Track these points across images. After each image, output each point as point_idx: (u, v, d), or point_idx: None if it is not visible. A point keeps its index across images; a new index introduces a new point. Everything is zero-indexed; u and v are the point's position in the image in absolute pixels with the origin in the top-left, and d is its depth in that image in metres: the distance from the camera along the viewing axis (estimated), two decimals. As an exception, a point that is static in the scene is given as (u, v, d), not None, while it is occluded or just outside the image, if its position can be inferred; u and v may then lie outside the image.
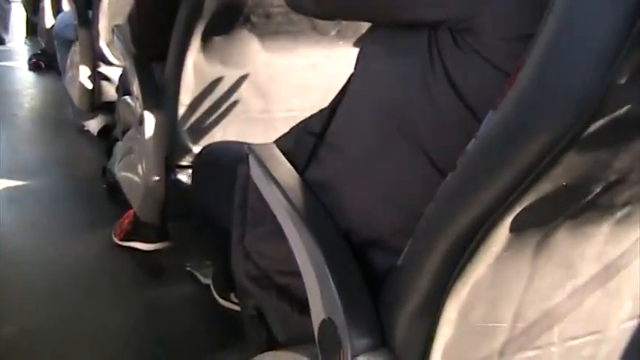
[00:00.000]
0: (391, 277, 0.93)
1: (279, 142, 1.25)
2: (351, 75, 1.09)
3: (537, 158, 0.69)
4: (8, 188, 2.83)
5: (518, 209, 0.76)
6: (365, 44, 1.05)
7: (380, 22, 1.00)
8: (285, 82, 1.78)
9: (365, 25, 1.69)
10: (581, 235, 0.88)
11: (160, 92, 1.81)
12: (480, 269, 0.83)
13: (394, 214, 0.98)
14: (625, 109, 0.65)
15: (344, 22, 1.73)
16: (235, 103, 1.77)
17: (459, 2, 0.83)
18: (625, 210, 0.86)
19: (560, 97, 0.67)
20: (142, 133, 1.82)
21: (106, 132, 3.10)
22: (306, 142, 1.14)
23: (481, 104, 0.82)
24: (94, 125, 3.21)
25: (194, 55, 1.68)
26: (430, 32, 0.87)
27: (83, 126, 3.27)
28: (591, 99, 0.64)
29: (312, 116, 1.18)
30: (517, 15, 0.79)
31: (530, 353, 0.99)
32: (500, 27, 0.81)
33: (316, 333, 1.00)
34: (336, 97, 1.12)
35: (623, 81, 0.63)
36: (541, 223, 0.82)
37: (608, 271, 0.99)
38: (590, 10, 0.64)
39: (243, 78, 1.75)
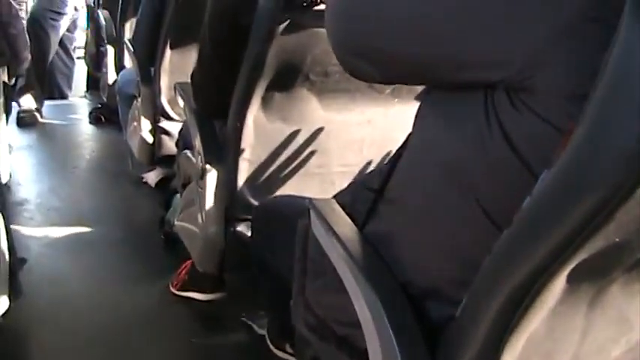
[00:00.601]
0: (448, 330, 0.96)
1: (338, 198, 1.29)
2: (410, 134, 1.12)
3: (590, 216, 0.72)
4: (68, 237, 2.92)
5: (572, 264, 0.79)
6: (423, 105, 1.08)
7: (439, 84, 1.02)
8: (342, 138, 1.83)
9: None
10: (635, 290, 0.90)
11: (221, 147, 1.87)
12: (535, 323, 0.85)
13: (452, 266, 1.01)
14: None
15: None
16: (294, 158, 1.82)
17: (518, 63, 0.84)
18: (678, 266, 0.88)
19: (612, 157, 0.70)
20: (203, 186, 1.88)
21: (163, 184, 3.18)
22: (365, 197, 1.18)
23: (537, 161, 0.85)
24: (152, 177, 3.29)
25: (255, 112, 1.74)
26: (486, 92, 0.90)
27: (142, 178, 3.36)
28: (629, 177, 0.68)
29: (370, 173, 1.22)
30: (574, 74, 0.81)
31: (586, 406, 1.01)
32: (558, 86, 0.83)
33: (375, 384, 1.03)
34: (395, 154, 1.16)
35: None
36: (595, 278, 0.85)
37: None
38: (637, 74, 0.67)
39: (301, 134, 1.80)
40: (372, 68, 1.04)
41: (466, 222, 0.98)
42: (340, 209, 1.23)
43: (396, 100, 1.80)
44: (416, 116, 1.10)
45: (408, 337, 0.99)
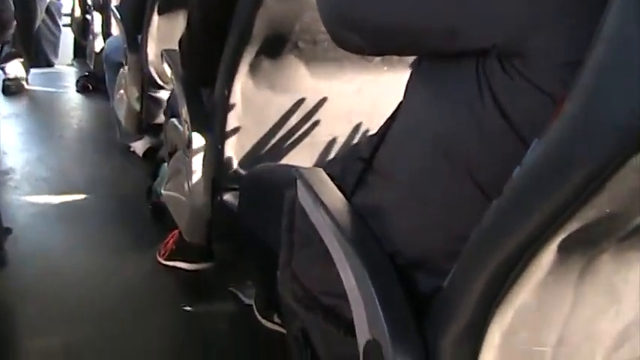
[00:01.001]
0: (436, 300, 0.95)
1: (327, 169, 1.28)
2: (400, 103, 1.11)
3: (581, 186, 0.71)
4: (55, 207, 2.91)
5: (562, 235, 0.78)
6: (413, 75, 1.07)
7: (430, 54, 1.00)
8: (331, 107, 1.81)
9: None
10: (624, 261, 0.89)
11: (208, 116, 1.85)
12: (524, 294, 0.85)
13: (440, 237, 1.00)
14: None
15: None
16: (282, 127, 1.80)
17: (511, 28, 0.84)
18: (668, 236, 0.87)
19: (604, 127, 0.69)
20: (190, 155, 1.86)
21: (151, 153, 3.16)
22: (354, 167, 1.17)
23: (528, 128, 0.84)
24: (139, 146, 3.27)
25: (242, 80, 1.72)
26: (478, 60, 0.89)
27: (129, 147, 3.34)
28: (635, 130, 0.66)
29: (360, 142, 1.21)
30: (567, 40, 0.80)
31: (574, 377, 1.00)
32: (551, 51, 0.82)
33: (361, 354, 1.02)
34: (385, 123, 1.14)
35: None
36: (585, 249, 0.84)
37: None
38: (634, 42, 0.66)
39: (290, 103, 1.78)
40: (362, 40, 1.02)
41: (457, 194, 0.97)
42: (328, 179, 1.21)
43: (386, 68, 1.77)
44: (406, 86, 1.09)
45: (395, 307, 0.98)
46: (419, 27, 0.94)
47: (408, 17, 0.94)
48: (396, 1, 0.95)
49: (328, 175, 1.25)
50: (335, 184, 1.21)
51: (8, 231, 2.46)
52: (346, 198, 1.17)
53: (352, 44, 1.06)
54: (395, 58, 1.75)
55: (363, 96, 1.80)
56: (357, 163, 1.16)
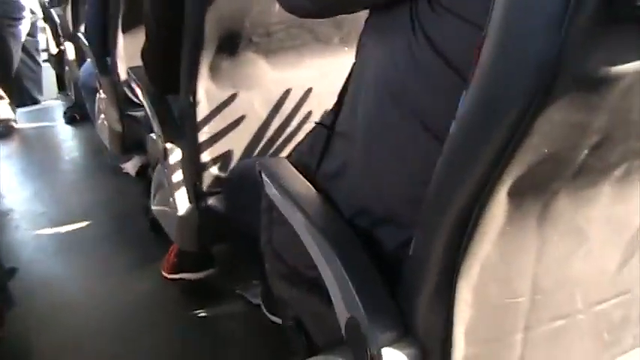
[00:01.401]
0: (405, 267, 0.95)
1: (296, 149, 1.29)
2: (353, 65, 1.13)
3: (511, 129, 0.71)
4: (56, 239, 2.91)
5: (508, 182, 0.78)
6: (362, 34, 1.10)
7: (368, 5, 1.04)
8: (298, 96, 1.81)
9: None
10: (582, 199, 0.89)
11: (179, 125, 1.85)
12: (485, 246, 0.85)
13: (403, 186, 1.00)
14: (583, 68, 0.67)
15: (345, 29, 1.76)
16: (253, 123, 1.80)
17: None
18: (622, 168, 0.87)
19: (520, 65, 0.69)
20: (168, 166, 1.87)
21: (143, 171, 3.16)
22: (320, 136, 1.19)
23: (461, 61, 0.85)
24: (131, 166, 3.27)
25: (204, 84, 1.71)
26: (411, 7, 0.91)
27: (121, 169, 3.35)
28: (547, 61, 0.66)
29: (325, 113, 1.23)
30: None
31: (558, 323, 1.00)
32: None
33: (344, 332, 1.03)
34: (342, 88, 1.17)
35: (574, 40, 0.64)
36: (537, 193, 0.84)
37: (622, 231, 0.99)
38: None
39: (256, 98, 1.78)
40: (307, 1, 1.07)
41: (410, 140, 0.97)
42: (291, 167, 1.22)
43: (346, 48, 1.77)
44: (357, 46, 1.11)
45: (367, 282, 0.99)
46: None
47: None
48: None
49: (297, 156, 1.28)
50: (304, 161, 1.23)
51: (13, 270, 2.47)
52: (315, 169, 1.19)
53: (297, 7, 1.12)
54: (352, 36, 1.75)
55: (328, 79, 1.79)
56: (322, 131, 1.19)
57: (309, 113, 1.82)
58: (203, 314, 2.25)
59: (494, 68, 0.71)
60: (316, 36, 1.74)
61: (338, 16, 1.68)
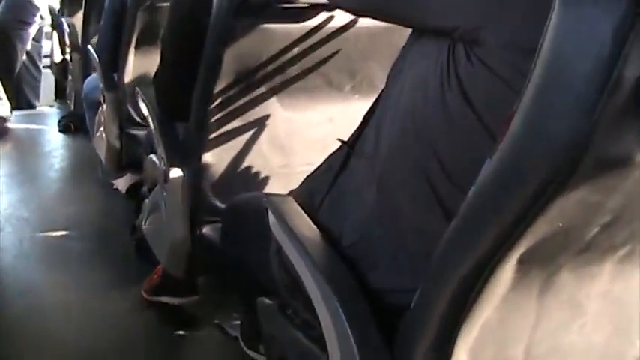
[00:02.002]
0: (405, 318, 0.97)
1: (311, 175, 1.36)
2: (382, 90, 1.17)
3: (531, 202, 0.74)
4: (39, 247, 2.90)
5: (519, 251, 0.80)
6: (398, 59, 1.13)
7: (406, 24, 1.08)
8: (304, 138, 1.83)
9: (379, 78, 1.76)
10: (584, 274, 0.91)
11: (184, 150, 1.87)
12: (487, 310, 0.87)
13: (413, 219, 1.03)
14: (609, 152, 0.69)
15: (358, 77, 1.79)
16: (257, 159, 1.82)
17: (469, 13, 0.89)
18: (626, 248, 0.89)
19: (549, 142, 0.71)
20: (168, 190, 1.88)
21: (134, 190, 3.16)
22: (340, 154, 1.23)
23: (487, 112, 0.89)
24: (122, 184, 3.27)
25: (215, 114, 1.74)
26: (450, 46, 0.94)
27: (112, 185, 3.34)
28: (576, 142, 0.69)
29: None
30: (519, 28, 0.84)
31: (544, 390, 1.02)
32: (504, 38, 0.86)
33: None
34: (368, 110, 1.21)
35: (604, 125, 0.67)
36: (543, 264, 0.86)
37: (616, 309, 1.01)
38: (572, 60, 0.68)
39: (263, 135, 1.80)
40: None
41: (426, 177, 0.99)
42: (297, 206, 1.24)
43: (357, 96, 1.81)
44: (390, 71, 1.15)
45: (365, 333, 1.00)
46: None
47: None
48: None
49: (308, 181, 1.33)
50: (317, 182, 1.28)
51: (-8, 274, 2.47)
52: (326, 193, 1.22)
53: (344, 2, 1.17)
54: (364, 85, 1.79)
55: (335, 125, 1.82)
56: (342, 149, 1.22)
57: (312, 157, 1.84)
58: (180, 340, 2.24)
59: (523, 141, 0.74)
60: (329, 81, 1.77)
61: (352, 65, 1.74)
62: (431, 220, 0.98)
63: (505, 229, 0.77)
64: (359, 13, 1.23)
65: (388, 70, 1.74)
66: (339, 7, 1.22)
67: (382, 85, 1.77)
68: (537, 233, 0.78)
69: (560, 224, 0.78)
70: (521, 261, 0.82)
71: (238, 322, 2.15)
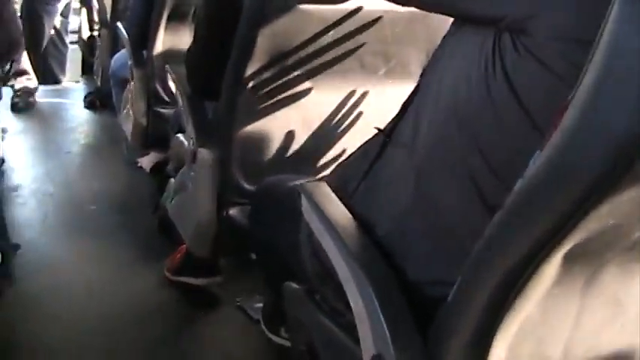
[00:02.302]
0: (442, 312, 0.95)
1: (346, 160, 1.33)
2: (421, 78, 1.14)
3: (583, 198, 0.71)
4: (62, 222, 2.91)
5: (566, 247, 0.78)
6: (439, 47, 1.11)
7: (453, 14, 1.06)
8: (336, 121, 1.82)
9: (414, 64, 1.74)
10: (628, 273, 0.89)
11: (213, 130, 1.86)
12: (529, 306, 0.84)
13: (453, 210, 1.01)
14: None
15: (393, 62, 1.77)
16: (287, 141, 1.80)
17: (521, 2, 0.87)
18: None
19: (603, 139, 0.69)
20: (196, 170, 1.87)
21: (158, 168, 3.16)
22: (376, 142, 1.20)
23: (536, 106, 0.87)
24: (146, 162, 3.27)
25: (246, 95, 1.72)
26: (495, 35, 0.91)
27: (136, 162, 3.34)
28: (632, 137, 0.66)
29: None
30: (573, 18, 0.81)
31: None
32: (556, 29, 0.83)
33: (366, 367, 1.02)
34: (407, 99, 1.17)
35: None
36: (589, 261, 0.84)
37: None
38: (632, 52, 0.66)
39: (294, 116, 1.78)
40: None
41: (469, 167, 0.97)
42: (330, 192, 1.22)
43: (390, 81, 1.78)
44: (430, 60, 1.13)
45: (400, 322, 0.99)
46: None
47: None
48: None
49: (343, 167, 1.31)
50: (352, 169, 1.25)
51: (16, 247, 2.47)
52: (360, 179, 1.20)
53: None
54: (398, 69, 1.76)
55: (368, 109, 1.80)
56: (379, 137, 1.19)
57: (344, 140, 1.83)
58: (201, 321, 2.24)
59: (575, 135, 0.71)
60: (363, 64, 1.74)
61: (387, 49, 1.71)
62: (471, 214, 0.96)
63: (554, 226, 0.75)
64: (402, 2, 1.19)
65: (423, 55, 1.73)
66: None
67: (416, 71, 1.76)
68: (586, 230, 0.76)
69: (611, 221, 0.75)
70: (567, 257, 0.80)
71: (260, 304, 2.15)
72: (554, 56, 0.83)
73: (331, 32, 1.65)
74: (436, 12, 1.12)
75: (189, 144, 1.94)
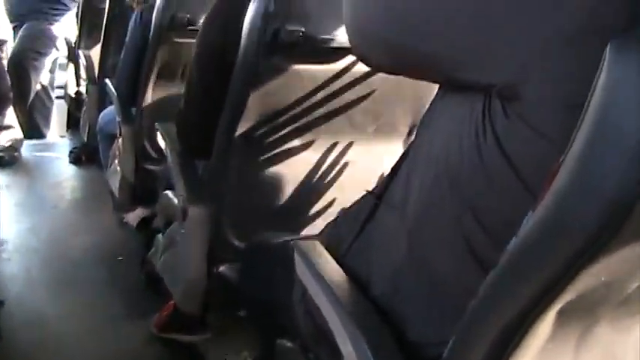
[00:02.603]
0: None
1: (336, 219, 1.33)
2: (413, 141, 1.16)
3: (575, 257, 0.73)
4: (48, 278, 2.89)
5: (559, 304, 0.79)
6: (428, 111, 1.11)
7: (440, 81, 1.06)
8: (326, 178, 1.84)
9: (402, 123, 1.77)
10: (621, 327, 0.90)
11: (203, 188, 1.87)
12: (523, 363, 0.86)
13: (446, 272, 1.01)
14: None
15: (382, 120, 1.80)
16: (277, 198, 1.82)
17: (509, 69, 0.86)
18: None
19: (594, 201, 0.70)
20: (186, 227, 1.88)
21: (144, 224, 3.16)
22: (367, 204, 1.20)
23: (526, 168, 0.87)
24: (132, 217, 3.27)
25: (238, 153, 1.74)
26: (485, 100, 0.91)
27: (123, 218, 3.34)
28: (623, 199, 0.68)
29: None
30: (568, 85, 0.81)
31: None
32: (549, 96, 0.83)
33: None
34: (397, 161, 1.18)
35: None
36: (583, 316, 0.85)
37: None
38: (622, 114, 0.68)
39: (284, 174, 1.80)
40: (382, 55, 1.08)
41: (461, 229, 0.98)
42: (324, 250, 1.23)
43: (379, 139, 1.81)
44: (420, 123, 1.14)
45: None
46: (429, 52, 0.97)
47: (420, 43, 0.98)
48: (409, 25, 0.99)
49: (334, 227, 1.31)
50: (343, 229, 1.26)
51: (1, 304, 2.45)
52: (351, 241, 1.21)
53: (373, 58, 1.13)
54: (387, 127, 1.79)
55: (357, 167, 1.83)
56: (369, 199, 1.20)
57: (333, 198, 1.85)
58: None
59: (567, 197, 0.73)
60: (352, 123, 1.77)
61: (376, 108, 1.75)
62: (465, 273, 0.97)
63: (547, 284, 0.77)
64: (386, 69, 1.21)
65: (410, 115, 1.77)
66: (367, 64, 1.19)
67: (404, 129, 1.79)
68: (579, 287, 0.77)
69: (603, 278, 0.77)
70: (561, 313, 0.81)
71: (248, 360, 2.15)
72: (546, 121, 0.84)
73: (321, 91, 1.68)
74: (426, 80, 1.12)
75: (179, 201, 1.95)
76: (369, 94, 1.72)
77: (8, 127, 4.42)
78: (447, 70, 0.97)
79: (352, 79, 1.69)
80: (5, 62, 4.17)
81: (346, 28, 1.09)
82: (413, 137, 1.11)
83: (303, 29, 1.58)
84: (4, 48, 4.40)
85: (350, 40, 1.10)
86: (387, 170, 1.20)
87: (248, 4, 1.63)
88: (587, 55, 0.76)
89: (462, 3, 0.91)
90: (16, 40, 4.68)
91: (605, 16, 0.77)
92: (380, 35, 1.04)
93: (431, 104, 1.12)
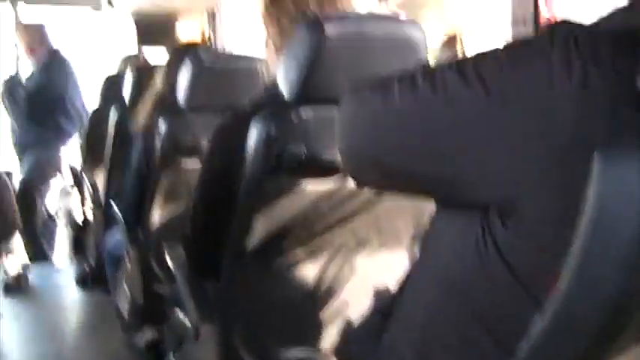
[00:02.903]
0: None
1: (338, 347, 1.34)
2: (419, 250, 1.18)
3: (584, 355, 0.78)
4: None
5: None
6: (430, 225, 1.12)
7: (435, 200, 1.06)
8: (331, 291, 1.86)
9: (404, 235, 1.81)
10: None
11: (213, 307, 1.90)
12: None
13: None
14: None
15: (385, 234, 1.84)
16: (285, 312, 1.84)
17: (503, 187, 0.88)
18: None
19: (596, 301, 0.75)
20: (199, 346, 1.89)
21: (154, 345, 3.15)
22: (376, 316, 1.23)
23: (528, 276, 0.88)
24: (142, 339, 3.26)
25: (246, 272, 1.78)
26: (483, 214, 0.92)
27: (131, 340, 3.33)
28: (624, 301, 0.73)
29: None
30: (563, 201, 0.83)
31: None
32: (546, 212, 0.85)
33: None
34: (405, 275, 1.19)
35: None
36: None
37: None
38: (616, 220, 0.73)
39: (291, 289, 1.83)
40: (371, 174, 1.11)
41: (469, 340, 0.98)
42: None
43: (383, 250, 1.85)
44: (421, 240, 1.16)
45: None
46: (419, 174, 1.00)
47: (410, 165, 1.00)
48: (399, 147, 1.01)
49: (341, 348, 1.35)
50: (354, 343, 1.28)
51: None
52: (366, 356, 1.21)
53: (366, 178, 1.15)
54: (391, 240, 1.84)
55: (361, 277, 1.86)
56: (376, 315, 1.22)
57: (341, 308, 1.87)
58: None
59: (570, 301, 0.77)
60: (356, 237, 1.81)
61: (378, 222, 1.79)
62: None
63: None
64: (380, 188, 1.24)
65: (414, 225, 1.81)
66: (362, 185, 1.22)
67: (407, 241, 1.83)
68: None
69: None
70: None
71: None
72: (544, 231, 0.86)
73: (324, 207, 1.74)
74: (424, 199, 1.13)
75: (189, 321, 1.97)
76: (370, 209, 1.76)
77: (14, 252, 4.45)
78: (441, 190, 1.00)
79: (354, 194, 1.74)
80: (12, 193, 4.25)
81: (338, 146, 1.13)
82: (416, 246, 1.14)
83: (305, 150, 1.65)
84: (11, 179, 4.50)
85: (341, 159, 1.14)
86: (391, 279, 1.22)
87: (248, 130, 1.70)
88: (576, 166, 0.80)
89: (451, 125, 0.94)
90: (24, 170, 4.82)
91: (591, 127, 0.80)
92: (368, 154, 1.07)
93: (430, 222, 1.14)
